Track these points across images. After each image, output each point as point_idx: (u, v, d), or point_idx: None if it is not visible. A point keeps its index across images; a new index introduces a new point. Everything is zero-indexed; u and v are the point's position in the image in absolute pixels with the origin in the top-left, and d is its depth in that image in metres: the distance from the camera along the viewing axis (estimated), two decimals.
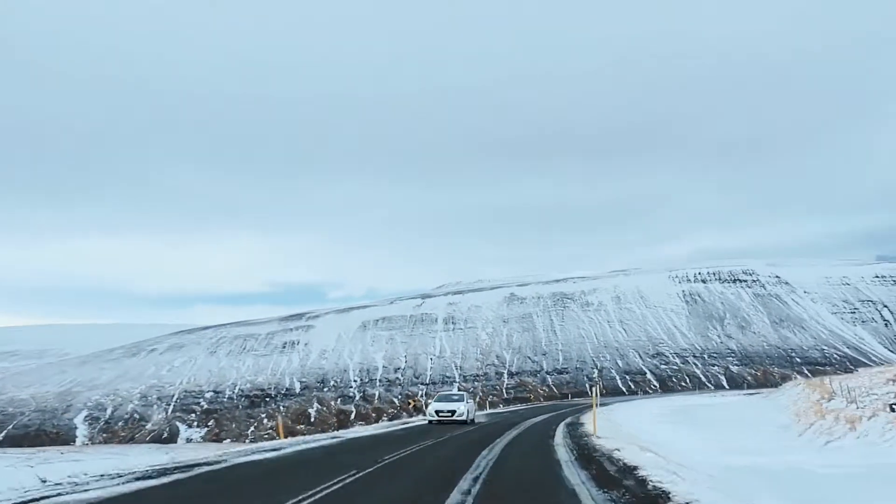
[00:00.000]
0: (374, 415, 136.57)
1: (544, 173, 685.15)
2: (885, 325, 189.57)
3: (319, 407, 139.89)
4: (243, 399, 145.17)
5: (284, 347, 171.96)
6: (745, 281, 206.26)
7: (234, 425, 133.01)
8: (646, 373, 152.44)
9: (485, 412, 72.29)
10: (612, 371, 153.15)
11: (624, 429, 37.34)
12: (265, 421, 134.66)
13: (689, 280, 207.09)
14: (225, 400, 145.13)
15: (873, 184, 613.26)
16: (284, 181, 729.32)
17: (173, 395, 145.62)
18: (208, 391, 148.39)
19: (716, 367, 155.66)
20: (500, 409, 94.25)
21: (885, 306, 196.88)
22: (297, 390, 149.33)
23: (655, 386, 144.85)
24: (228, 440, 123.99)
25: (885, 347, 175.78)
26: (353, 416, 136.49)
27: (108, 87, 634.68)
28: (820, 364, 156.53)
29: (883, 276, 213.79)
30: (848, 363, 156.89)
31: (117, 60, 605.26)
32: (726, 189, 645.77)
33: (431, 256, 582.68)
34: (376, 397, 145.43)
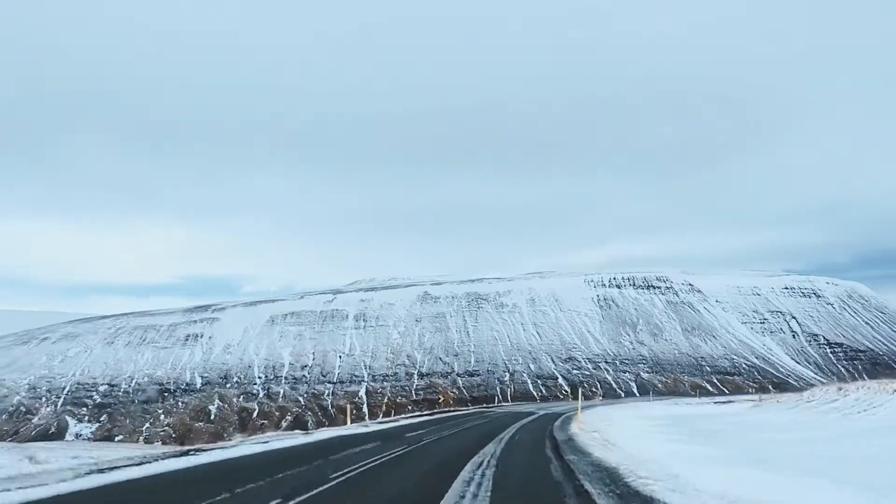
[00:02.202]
0: (277, 413, 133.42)
1: (464, 174, 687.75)
2: (793, 336, 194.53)
3: (221, 404, 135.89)
4: (139, 393, 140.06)
5: (187, 340, 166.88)
6: (659, 288, 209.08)
7: (128, 421, 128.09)
8: (557, 378, 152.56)
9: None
10: (524, 375, 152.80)
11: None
12: (162, 417, 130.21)
13: (604, 285, 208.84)
14: (120, 394, 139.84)
15: (785, 199, 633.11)
16: (201, 170, 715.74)
17: (64, 388, 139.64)
18: (103, 384, 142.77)
19: (627, 374, 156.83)
20: (383, 421, 59.21)
21: (794, 317, 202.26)
22: (198, 385, 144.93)
23: (567, 391, 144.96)
24: (120, 437, 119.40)
25: (792, 359, 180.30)
26: (255, 414, 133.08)
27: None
28: (729, 373, 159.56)
29: (792, 288, 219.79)
30: (756, 373, 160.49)
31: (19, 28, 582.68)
32: (645, 197, 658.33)
33: (349, 254, 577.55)
34: (281, 395, 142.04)
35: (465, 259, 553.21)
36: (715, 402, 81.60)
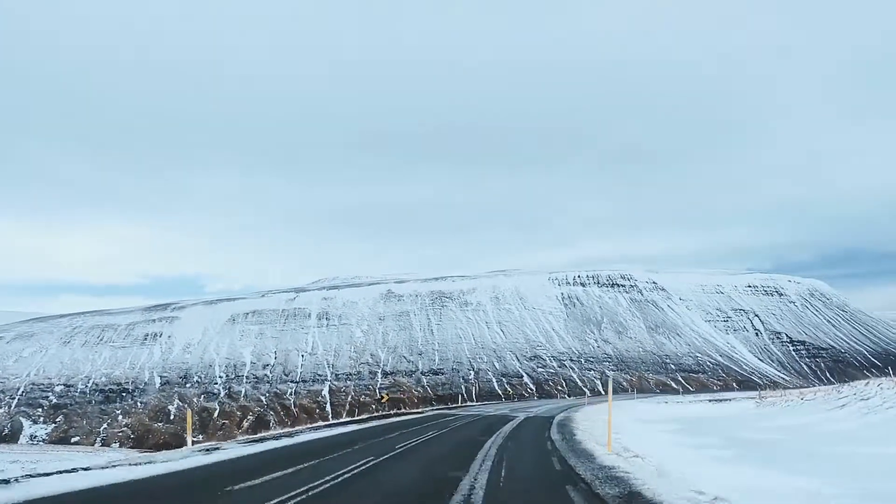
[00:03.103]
0: (238, 413, 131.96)
1: (430, 174, 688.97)
2: (756, 334, 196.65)
3: (180, 404, 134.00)
4: (97, 394, 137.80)
5: (146, 339, 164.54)
6: (624, 286, 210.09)
7: (85, 422, 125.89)
8: (522, 376, 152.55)
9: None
10: (489, 373, 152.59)
11: None
12: (119, 418, 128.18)
13: (568, 283, 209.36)
14: (77, 394, 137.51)
15: (749, 198, 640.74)
16: (164, 169, 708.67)
17: (19, 388, 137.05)
18: (58, 384, 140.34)
19: (592, 372, 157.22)
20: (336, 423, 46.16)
21: (756, 315, 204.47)
22: (157, 385, 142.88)
23: (532, 389, 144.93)
24: (77, 438, 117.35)
25: (755, 356, 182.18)
26: (216, 413, 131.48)
27: None
28: (693, 371, 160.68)
29: (755, 286, 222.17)
30: (720, 371, 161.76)
31: None
32: (611, 197, 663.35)
33: (313, 252, 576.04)
34: (242, 395, 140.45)
35: (429, 258, 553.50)
36: (710, 401, 72.45)
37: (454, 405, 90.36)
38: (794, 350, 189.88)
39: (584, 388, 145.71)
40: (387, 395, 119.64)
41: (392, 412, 64.33)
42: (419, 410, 70.17)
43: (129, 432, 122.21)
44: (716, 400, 75.80)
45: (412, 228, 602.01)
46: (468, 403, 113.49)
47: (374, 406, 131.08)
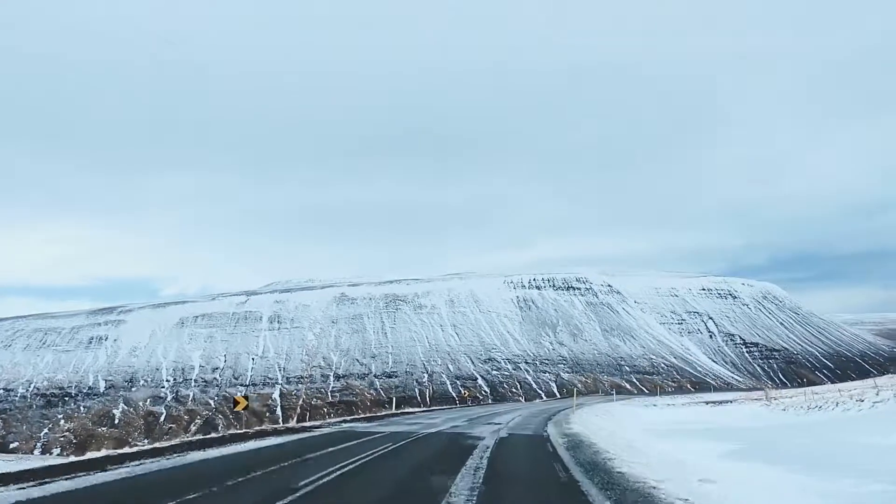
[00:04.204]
0: (186, 417, 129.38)
1: (385, 177, 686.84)
2: (710, 336, 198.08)
3: (126, 408, 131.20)
4: (38, 398, 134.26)
5: (91, 343, 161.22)
6: (579, 289, 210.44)
7: (24, 427, 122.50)
8: (477, 378, 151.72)
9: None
10: (443, 376, 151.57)
11: None
12: (62, 423, 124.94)
13: (524, 286, 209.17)
14: (17, 399, 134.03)
15: (704, 202, 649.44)
16: (120, 172, 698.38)
17: None
18: None
19: (547, 374, 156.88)
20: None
21: (710, 318, 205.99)
22: (102, 389, 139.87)
23: (486, 392, 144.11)
24: (15, 444, 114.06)
25: (709, 358, 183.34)
26: (163, 417, 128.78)
27: None
28: (648, 373, 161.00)
29: (709, 289, 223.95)
30: (675, 373, 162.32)
31: None
32: (568, 199, 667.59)
33: (267, 256, 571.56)
34: (190, 398, 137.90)
35: (384, 261, 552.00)
36: (707, 403, 60.17)
37: (405, 411, 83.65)
38: (747, 352, 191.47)
39: (539, 391, 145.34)
40: (302, 399, 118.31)
41: (300, 427, 58.37)
42: (355, 424, 34.16)
43: (72, 437, 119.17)
44: (713, 402, 62.63)
45: (368, 232, 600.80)
46: (414, 411, 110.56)
47: (325, 409, 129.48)
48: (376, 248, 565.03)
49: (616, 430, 30.07)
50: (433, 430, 28.62)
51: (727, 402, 62.20)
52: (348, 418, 41.55)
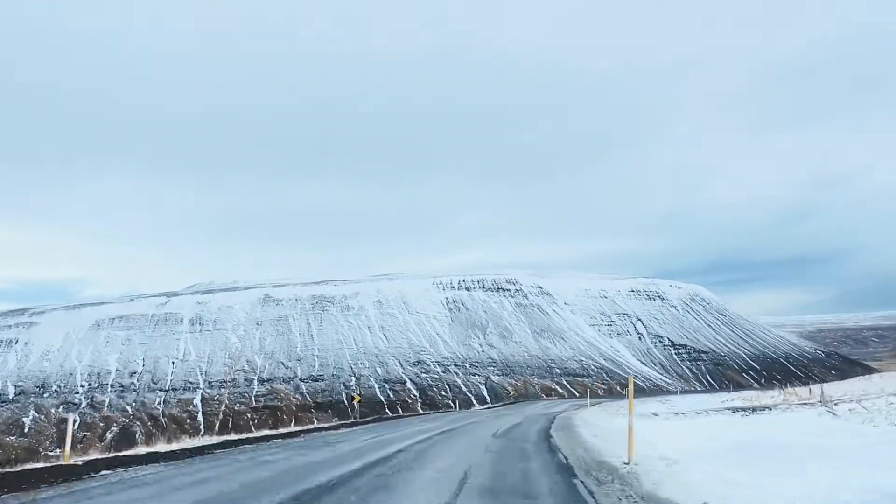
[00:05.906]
0: (102, 425, 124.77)
1: (313, 179, 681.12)
2: (639, 338, 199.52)
3: (36, 415, 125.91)
4: None
5: None
6: (509, 290, 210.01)
7: None
8: (406, 381, 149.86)
9: None
10: (371, 379, 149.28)
11: None
12: None
13: (453, 287, 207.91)
14: None
15: (634, 207, 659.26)
16: (39, 170, 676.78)
17: None
18: None
19: (477, 377, 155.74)
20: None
21: (639, 319, 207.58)
22: (11, 396, 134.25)
23: (415, 395, 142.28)
24: None
25: (639, 360, 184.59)
26: (77, 425, 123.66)
27: None
28: (578, 375, 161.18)
29: (637, 291, 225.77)
30: (605, 375, 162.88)
31: None
32: (500, 204, 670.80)
33: (192, 258, 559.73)
34: (106, 405, 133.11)
35: (312, 264, 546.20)
36: (735, 412, 38.27)
37: (328, 427, 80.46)
38: (675, 353, 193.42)
39: (469, 394, 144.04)
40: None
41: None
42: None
43: None
44: (741, 410, 40.22)
45: (296, 235, 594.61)
46: (316, 425, 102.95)
47: (249, 415, 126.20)
48: (306, 251, 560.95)
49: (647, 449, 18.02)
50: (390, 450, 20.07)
51: (763, 408, 41.09)
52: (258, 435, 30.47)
